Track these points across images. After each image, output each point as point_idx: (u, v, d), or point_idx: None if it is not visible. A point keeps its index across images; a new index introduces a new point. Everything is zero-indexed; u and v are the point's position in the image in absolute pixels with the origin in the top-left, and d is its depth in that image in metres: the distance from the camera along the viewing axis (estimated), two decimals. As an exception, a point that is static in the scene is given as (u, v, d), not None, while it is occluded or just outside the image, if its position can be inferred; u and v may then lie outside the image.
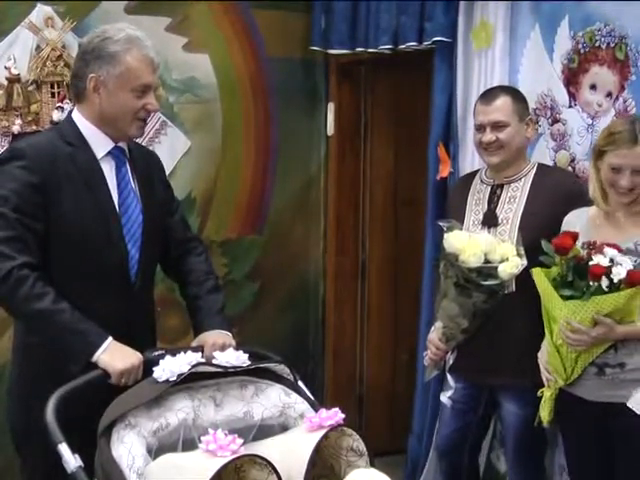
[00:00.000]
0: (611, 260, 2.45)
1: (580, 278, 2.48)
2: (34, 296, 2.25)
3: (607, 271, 2.43)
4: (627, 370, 2.55)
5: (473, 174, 3.20)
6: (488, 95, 3.05)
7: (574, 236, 2.53)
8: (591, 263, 2.45)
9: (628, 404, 2.51)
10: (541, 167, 3.05)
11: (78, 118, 2.46)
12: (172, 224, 2.67)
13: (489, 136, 2.97)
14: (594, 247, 2.48)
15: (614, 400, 2.56)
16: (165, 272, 2.75)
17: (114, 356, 2.25)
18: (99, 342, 2.26)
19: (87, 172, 2.41)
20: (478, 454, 3.29)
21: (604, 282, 2.45)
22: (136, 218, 2.48)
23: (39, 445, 2.19)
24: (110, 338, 2.28)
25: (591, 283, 2.46)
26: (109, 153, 2.46)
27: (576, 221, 2.70)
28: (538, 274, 2.57)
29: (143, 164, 2.59)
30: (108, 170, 2.45)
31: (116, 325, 2.35)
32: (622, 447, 2.59)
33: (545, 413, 2.69)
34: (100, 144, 2.45)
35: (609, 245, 2.48)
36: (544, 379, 2.70)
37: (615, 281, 2.44)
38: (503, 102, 2.97)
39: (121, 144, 2.49)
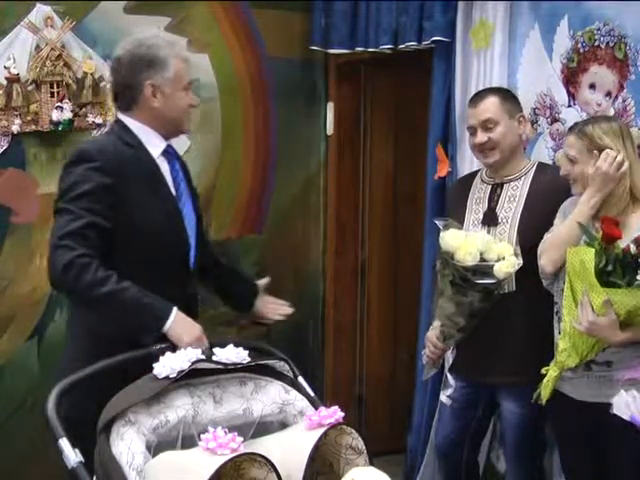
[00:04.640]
0: None
1: (623, 270, 2.43)
2: (98, 281, 2.35)
3: None
4: (614, 369, 2.55)
5: (474, 174, 3.20)
6: (476, 98, 3.07)
7: (617, 223, 2.48)
8: None
9: (613, 411, 2.45)
10: (540, 166, 3.06)
11: (130, 122, 2.58)
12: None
13: (480, 137, 2.98)
14: None
15: (602, 400, 2.55)
16: None
17: (181, 329, 2.38)
18: (167, 312, 2.39)
19: (149, 171, 2.56)
20: (477, 453, 3.29)
21: None
22: (191, 211, 2.67)
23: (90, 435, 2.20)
24: (175, 308, 2.41)
25: (639, 278, 2.41)
26: (163, 152, 2.61)
27: (571, 209, 2.70)
28: (580, 254, 2.51)
29: (182, 161, 2.77)
30: (164, 168, 2.61)
31: (180, 308, 2.50)
32: (614, 448, 2.58)
33: (546, 392, 2.63)
34: (154, 144, 2.58)
35: None
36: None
37: None
38: (490, 102, 2.98)
39: (171, 142, 2.65)
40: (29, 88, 3.57)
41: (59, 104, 3.58)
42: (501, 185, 3.03)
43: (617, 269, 2.43)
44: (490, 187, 3.05)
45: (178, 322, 2.39)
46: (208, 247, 2.87)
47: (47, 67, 3.56)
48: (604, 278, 2.44)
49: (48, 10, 3.60)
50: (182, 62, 2.59)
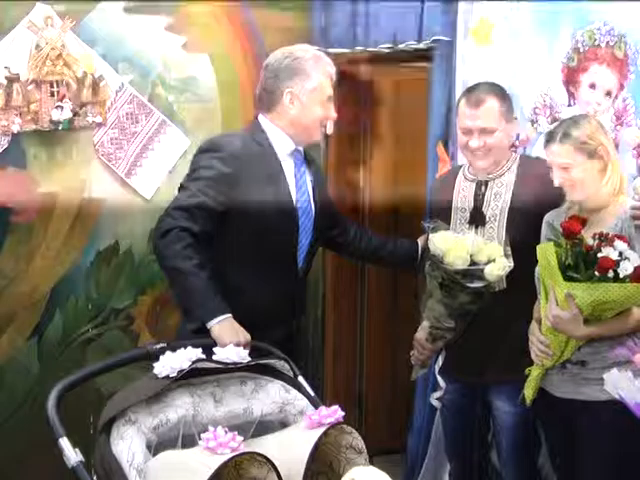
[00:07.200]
0: (620, 254, 2.42)
1: (585, 266, 2.45)
2: (182, 256, 2.57)
3: (615, 265, 2.41)
4: (588, 369, 2.56)
5: (456, 170, 3.17)
6: (474, 96, 2.91)
7: (582, 221, 2.51)
8: (600, 255, 2.42)
9: (605, 387, 2.44)
10: (523, 159, 3.04)
11: (265, 123, 2.85)
12: (335, 211, 3.17)
13: (476, 142, 2.89)
14: (605, 238, 2.44)
15: (576, 397, 2.58)
16: (330, 247, 3.33)
17: (225, 330, 2.52)
18: (217, 313, 2.55)
19: (272, 170, 2.79)
20: (487, 449, 3.27)
21: (609, 274, 2.42)
22: (309, 212, 2.86)
23: None
24: (229, 315, 2.56)
25: (596, 274, 2.42)
26: (290, 154, 2.84)
27: (555, 221, 2.70)
28: (544, 250, 2.53)
29: (314, 165, 3.00)
30: (289, 169, 2.83)
31: (285, 303, 2.79)
32: (586, 445, 2.57)
33: (530, 392, 2.68)
34: (283, 146, 2.83)
35: (619, 238, 2.45)
36: (533, 356, 2.67)
37: (621, 276, 2.41)
38: (490, 107, 2.88)
39: (299, 147, 2.87)
40: (29, 87, 3.56)
41: (59, 103, 3.58)
42: (485, 183, 2.99)
43: (579, 264, 2.46)
44: (474, 184, 3.02)
45: (225, 325, 2.53)
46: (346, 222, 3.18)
47: (47, 66, 3.55)
48: (567, 273, 2.47)
49: (48, 9, 3.59)
50: (325, 77, 2.82)
